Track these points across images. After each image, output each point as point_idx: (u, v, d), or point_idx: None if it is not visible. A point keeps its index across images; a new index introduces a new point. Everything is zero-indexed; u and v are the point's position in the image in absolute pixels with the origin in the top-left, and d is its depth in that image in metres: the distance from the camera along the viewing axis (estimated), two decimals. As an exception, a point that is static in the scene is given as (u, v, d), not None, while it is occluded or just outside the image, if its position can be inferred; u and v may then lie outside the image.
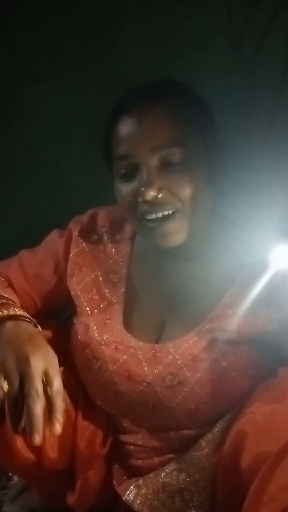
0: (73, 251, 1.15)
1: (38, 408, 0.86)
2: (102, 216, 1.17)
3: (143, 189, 0.97)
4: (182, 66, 1.37)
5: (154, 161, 0.98)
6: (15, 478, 1.38)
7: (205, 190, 1.00)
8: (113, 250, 1.14)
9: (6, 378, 0.89)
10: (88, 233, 1.16)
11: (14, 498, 1.29)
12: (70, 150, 1.56)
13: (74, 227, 1.18)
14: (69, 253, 1.16)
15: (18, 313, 1.01)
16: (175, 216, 0.99)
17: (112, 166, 1.04)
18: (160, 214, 0.98)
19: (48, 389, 0.89)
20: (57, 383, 0.90)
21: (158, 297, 1.10)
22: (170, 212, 0.98)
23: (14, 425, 0.89)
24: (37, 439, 0.85)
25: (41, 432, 0.86)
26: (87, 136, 1.47)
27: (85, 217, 1.18)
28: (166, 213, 0.98)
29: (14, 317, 0.99)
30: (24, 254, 1.21)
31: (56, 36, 1.51)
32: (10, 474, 1.39)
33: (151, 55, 1.44)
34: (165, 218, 0.98)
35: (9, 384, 0.88)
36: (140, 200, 0.97)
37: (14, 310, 1.01)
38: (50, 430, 0.86)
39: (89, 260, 1.15)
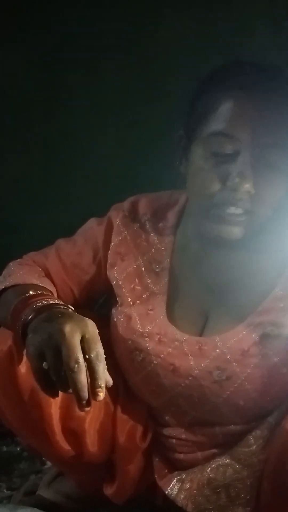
0: (115, 240, 1.12)
1: (79, 377, 0.80)
2: (144, 203, 1.14)
3: (237, 180, 0.92)
4: (222, 51, 1.33)
5: (259, 154, 0.93)
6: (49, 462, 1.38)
7: (282, 199, 0.96)
8: (156, 239, 1.11)
9: (43, 358, 0.85)
10: (130, 221, 1.13)
11: (49, 483, 1.28)
12: (106, 138, 1.53)
13: (115, 215, 1.14)
14: (109, 242, 1.13)
15: (51, 302, 0.98)
16: (249, 214, 0.95)
17: (197, 138, 0.97)
18: (240, 210, 0.94)
19: (87, 356, 0.83)
20: (96, 349, 0.83)
21: (202, 287, 1.07)
22: (247, 210, 0.95)
23: (64, 392, 0.85)
24: (86, 408, 0.82)
25: (86, 398, 0.81)
26: (124, 125, 1.45)
27: (126, 205, 1.15)
28: (245, 210, 0.94)
29: (49, 306, 0.96)
30: (61, 243, 1.18)
31: (93, 23, 1.48)
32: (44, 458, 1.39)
33: (191, 41, 1.41)
34: (242, 214, 0.95)
35: (49, 361, 0.84)
36: (230, 189, 0.93)
37: (48, 301, 0.98)
38: (94, 399, 0.81)
39: (131, 249, 1.11)
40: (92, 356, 0.82)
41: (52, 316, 0.89)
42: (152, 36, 1.43)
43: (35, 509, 1.15)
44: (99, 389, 0.81)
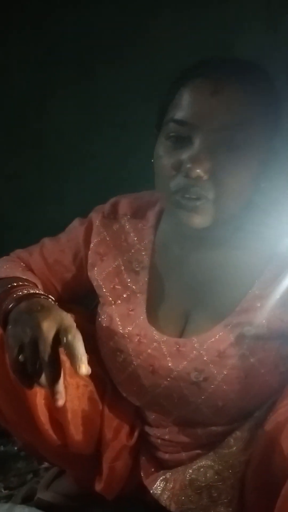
0: (94, 240, 1.12)
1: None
2: (124, 204, 1.13)
3: (189, 165, 0.89)
4: (217, 49, 1.31)
5: (212, 138, 0.89)
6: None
7: (250, 183, 0.92)
8: (136, 238, 1.10)
9: (21, 350, 0.88)
10: (110, 222, 1.12)
11: (48, 485, 1.30)
12: (101, 136, 1.51)
13: (96, 216, 1.14)
14: (89, 242, 1.13)
15: (32, 291, 0.99)
16: (209, 202, 0.91)
17: (162, 127, 0.95)
18: (194, 197, 0.90)
19: (64, 339, 0.86)
20: (72, 332, 0.86)
21: (182, 287, 1.05)
22: (205, 197, 0.91)
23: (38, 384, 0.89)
24: (59, 402, 0.85)
25: (62, 394, 0.86)
26: (119, 123, 1.43)
27: (106, 206, 1.15)
28: (202, 197, 0.91)
29: (29, 296, 0.98)
30: (46, 241, 1.20)
31: (87, 21, 1.45)
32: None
33: (185, 39, 1.38)
34: (200, 201, 0.91)
35: (26, 354, 0.88)
36: (183, 175, 0.90)
37: (28, 290, 1.00)
38: (79, 372, 0.84)
39: (111, 250, 1.11)
40: (69, 338, 0.85)
41: (31, 308, 0.92)
42: (147, 35, 1.39)
43: (33, 508, 1.16)
44: (81, 363, 0.83)
